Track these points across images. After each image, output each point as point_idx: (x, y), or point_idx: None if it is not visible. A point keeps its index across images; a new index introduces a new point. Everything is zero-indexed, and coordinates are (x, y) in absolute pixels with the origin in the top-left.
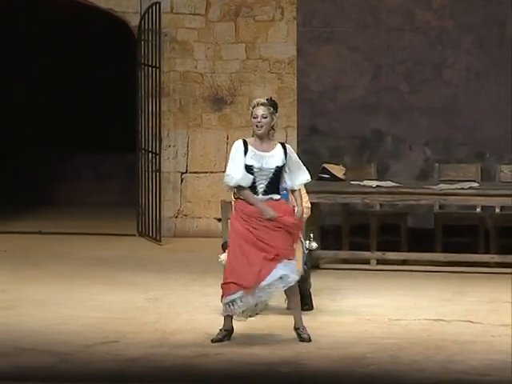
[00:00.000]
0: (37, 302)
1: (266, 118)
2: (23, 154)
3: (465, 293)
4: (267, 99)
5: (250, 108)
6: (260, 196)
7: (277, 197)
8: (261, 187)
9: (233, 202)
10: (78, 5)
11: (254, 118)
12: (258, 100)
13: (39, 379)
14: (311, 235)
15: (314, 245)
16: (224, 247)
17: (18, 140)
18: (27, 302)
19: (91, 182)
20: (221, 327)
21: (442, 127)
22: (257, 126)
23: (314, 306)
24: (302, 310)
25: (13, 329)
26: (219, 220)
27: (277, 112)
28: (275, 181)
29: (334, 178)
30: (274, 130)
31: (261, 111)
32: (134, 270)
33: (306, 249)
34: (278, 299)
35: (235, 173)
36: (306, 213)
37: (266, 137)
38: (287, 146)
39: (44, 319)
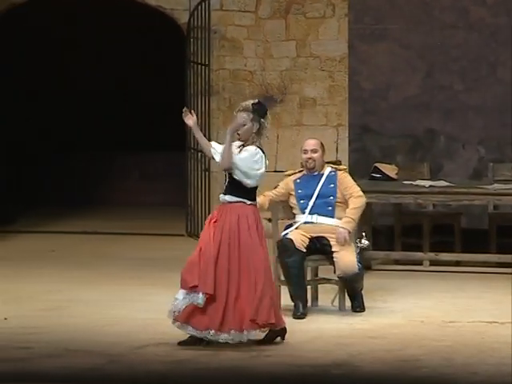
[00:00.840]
0: (85, 303)
1: (244, 125)
2: (73, 153)
3: None
4: (253, 104)
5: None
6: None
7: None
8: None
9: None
10: (127, 1)
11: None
12: (242, 104)
13: (88, 380)
14: (363, 233)
15: (366, 242)
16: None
17: (67, 139)
18: (76, 303)
19: (139, 181)
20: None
21: (496, 126)
22: (238, 134)
23: (366, 308)
24: (354, 311)
25: (62, 330)
26: (269, 220)
27: (262, 117)
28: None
29: (386, 177)
30: (257, 135)
31: (240, 119)
32: None
33: (358, 247)
34: (326, 300)
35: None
36: (362, 202)
37: (248, 142)
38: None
39: (93, 320)
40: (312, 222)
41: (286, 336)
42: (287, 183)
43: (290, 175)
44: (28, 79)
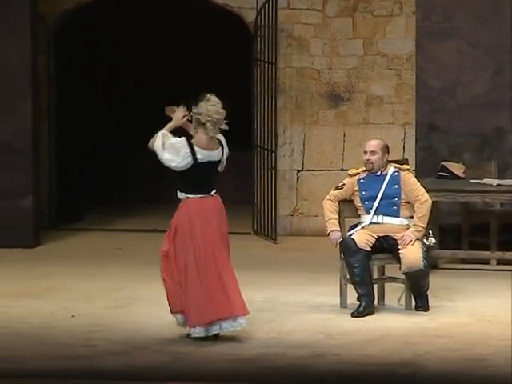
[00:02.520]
0: (151, 301)
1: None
2: (139, 151)
3: None
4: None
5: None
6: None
7: None
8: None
9: None
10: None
11: None
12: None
13: (153, 378)
14: (430, 231)
15: (433, 240)
16: None
17: (134, 138)
18: (142, 301)
19: None
20: None
21: None
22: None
23: (433, 307)
24: (417, 310)
25: (127, 328)
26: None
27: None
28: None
29: (453, 176)
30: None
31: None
32: (249, 269)
33: (425, 245)
34: (392, 299)
35: None
36: (428, 208)
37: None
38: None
39: (158, 318)
40: (378, 223)
41: (351, 335)
42: (352, 183)
43: (353, 175)
44: (100, 78)
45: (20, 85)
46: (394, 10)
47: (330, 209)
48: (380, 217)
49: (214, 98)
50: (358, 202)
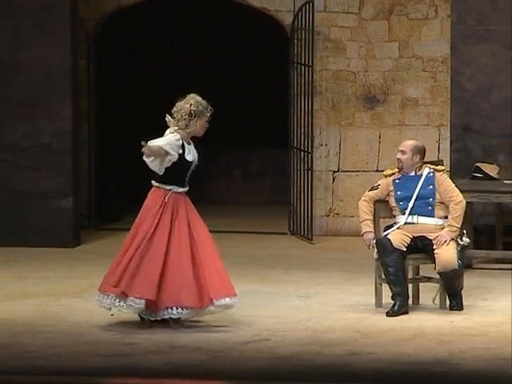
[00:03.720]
0: None
1: None
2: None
3: None
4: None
5: (205, 111)
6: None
7: None
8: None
9: None
10: (230, 3)
11: (207, 123)
12: (204, 102)
13: (191, 376)
14: (464, 231)
15: (467, 240)
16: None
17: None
18: None
19: (242, 180)
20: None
21: None
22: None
23: (467, 306)
24: (451, 309)
25: (165, 326)
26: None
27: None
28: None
29: (487, 177)
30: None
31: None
32: (286, 269)
33: (459, 245)
34: (427, 298)
35: None
36: (463, 208)
37: None
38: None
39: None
40: (413, 223)
41: (387, 334)
42: (387, 183)
43: (388, 175)
44: (140, 80)
45: (60, 88)
46: (429, 13)
47: (364, 210)
48: (415, 217)
49: (191, 96)
50: (392, 202)
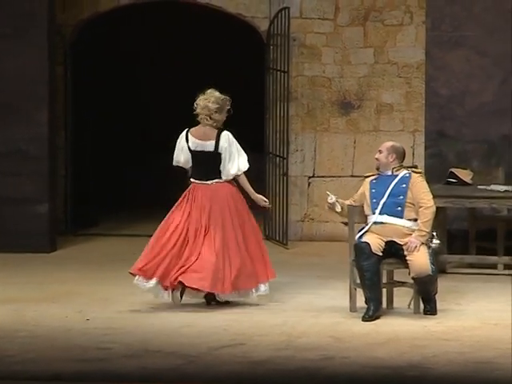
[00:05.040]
0: (164, 305)
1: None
2: (155, 157)
3: None
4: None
5: (225, 106)
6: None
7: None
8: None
9: None
10: (206, 9)
11: (228, 114)
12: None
13: (166, 381)
14: (434, 233)
15: (437, 242)
16: None
17: (151, 144)
18: (155, 305)
19: None
20: None
21: None
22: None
23: (441, 311)
24: (425, 314)
25: (140, 331)
26: (346, 224)
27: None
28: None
29: (461, 182)
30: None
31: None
32: None
33: (429, 247)
34: (401, 303)
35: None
36: (432, 213)
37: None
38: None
39: (171, 321)
40: (382, 222)
41: (360, 338)
42: (365, 184)
43: (369, 176)
44: (117, 86)
45: (37, 94)
46: (404, 19)
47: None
48: (384, 216)
49: (208, 92)
50: (367, 201)
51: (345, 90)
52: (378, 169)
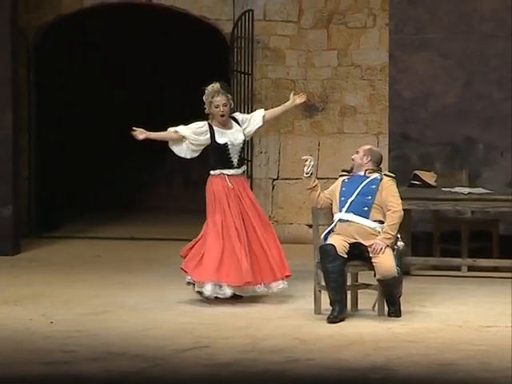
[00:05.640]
0: (129, 308)
1: (226, 105)
2: (117, 159)
3: None
4: (221, 85)
5: (208, 98)
6: (236, 169)
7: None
8: (235, 160)
9: None
10: (170, 11)
11: (216, 107)
12: (213, 88)
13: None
14: (398, 236)
15: (402, 244)
16: None
17: (113, 146)
18: (119, 308)
19: (183, 187)
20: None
21: None
22: (222, 115)
23: (405, 313)
24: (389, 316)
25: (105, 334)
26: (310, 226)
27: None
28: (242, 153)
29: (425, 184)
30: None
31: (222, 100)
32: None
33: (394, 250)
34: (366, 305)
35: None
36: (399, 218)
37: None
38: (236, 116)
39: (136, 324)
40: (347, 221)
41: (326, 340)
42: (337, 183)
43: (343, 175)
44: (81, 81)
45: (0, 96)
46: (367, 21)
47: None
48: (350, 215)
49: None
50: (336, 199)
51: (308, 93)
52: (351, 169)
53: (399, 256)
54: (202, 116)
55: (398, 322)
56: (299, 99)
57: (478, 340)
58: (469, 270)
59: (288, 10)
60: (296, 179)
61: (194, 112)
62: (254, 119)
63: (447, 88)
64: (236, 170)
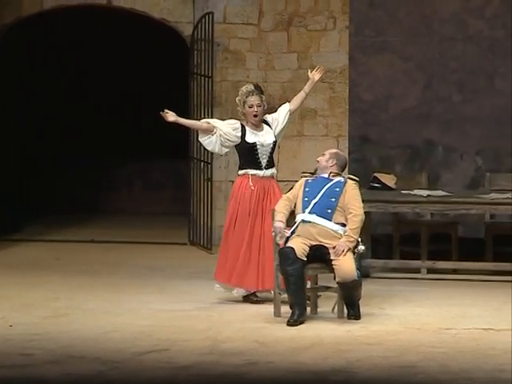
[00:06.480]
0: (88, 311)
1: (260, 106)
2: (77, 162)
3: None
4: (255, 86)
5: (243, 97)
6: (264, 170)
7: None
8: (264, 162)
9: None
10: (130, 14)
11: (250, 107)
12: (247, 89)
13: None
14: (359, 239)
15: (362, 247)
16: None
17: (72, 148)
18: (79, 310)
19: (143, 190)
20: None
21: (493, 136)
22: (255, 115)
23: (365, 315)
24: (349, 319)
25: (64, 337)
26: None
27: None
28: (272, 155)
29: (384, 187)
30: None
31: (256, 101)
32: (185, 279)
33: (355, 253)
34: (325, 308)
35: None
36: (361, 221)
37: (259, 122)
38: (267, 118)
39: (95, 327)
40: (310, 222)
41: (285, 343)
42: (300, 184)
43: (305, 176)
44: (36, 87)
45: None
46: (327, 24)
47: (281, 206)
48: (313, 216)
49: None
50: (299, 200)
51: (269, 95)
52: (315, 171)
53: (359, 259)
54: (159, 118)
55: (358, 324)
56: (317, 75)
57: (437, 342)
58: (428, 273)
59: (248, 12)
60: None
61: (153, 114)
62: (281, 117)
63: (407, 91)
64: (263, 171)
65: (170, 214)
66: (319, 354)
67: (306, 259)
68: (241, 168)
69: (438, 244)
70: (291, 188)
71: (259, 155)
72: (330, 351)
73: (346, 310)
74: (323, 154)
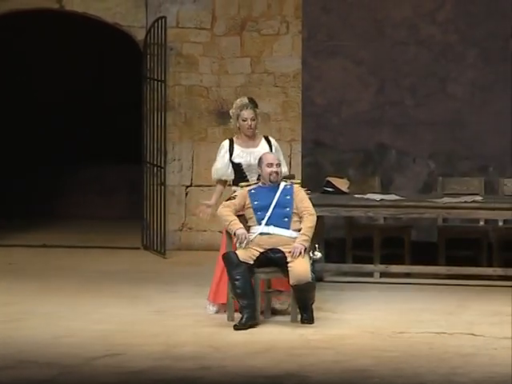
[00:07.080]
0: (41, 315)
1: (254, 120)
2: (30, 167)
3: (467, 306)
4: (249, 100)
5: (237, 110)
6: None
7: None
8: (253, 179)
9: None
10: (83, 19)
11: (244, 120)
12: (242, 102)
13: None
14: (316, 245)
15: (319, 254)
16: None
17: (24, 153)
18: (31, 315)
19: (96, 195)
20: None
21: (445, 141)
22: (249, 128)
23: (318, 319)
24: (302, 323)
25: (16, 342)
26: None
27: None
28: None
29: (337, 191)
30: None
31: (250, 114)
32: (139, 283)
33: (311, 258)
34: (279, 312)
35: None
36: (315, 220)
37: (253, 135)
38: (271, 139)
39: (48, 332)
40: (268, 233)
41: (239, 347)
42: (243, 194)
43: (245, 186)
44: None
45: None
46: (280, 28)
47: (227, 213)
48: (271, 227)
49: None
50: (250, 213)
51: (222, 100)
52: (275, 182)
53: (313, 263)
54: (116, 123)
55: (311, 328)
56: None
57: (391, 346)
58: (381, 277)
59: (201, 17)
60: (209, 186)
61: (106, 119)
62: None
63: (360, 95)
64: None
65: (123, 219)
66: (272, 358)
67: (252, 263)
68: (233, 183)
69: (391, 248)
70: (230, 198)
71: (246, 173)
72: (284, 355)
73: (299, 314)
74: (279, 165)
